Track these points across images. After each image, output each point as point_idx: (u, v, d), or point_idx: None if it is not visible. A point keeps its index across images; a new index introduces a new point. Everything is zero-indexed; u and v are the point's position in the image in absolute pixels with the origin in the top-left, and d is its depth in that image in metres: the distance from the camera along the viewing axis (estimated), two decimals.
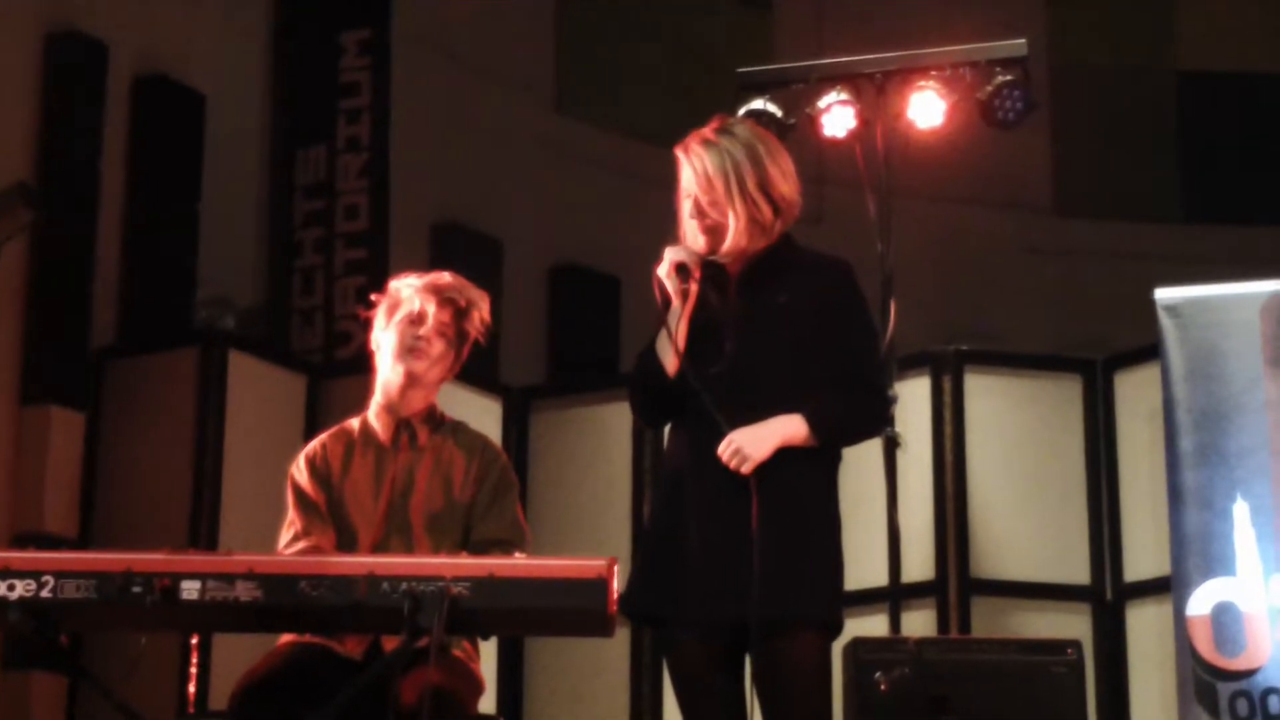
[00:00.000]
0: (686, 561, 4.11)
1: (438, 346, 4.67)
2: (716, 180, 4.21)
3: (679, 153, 4.28)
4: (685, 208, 4.27)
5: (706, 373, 4.15)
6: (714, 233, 4.23)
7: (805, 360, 4.18)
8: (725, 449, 4.09)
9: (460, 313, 4.71)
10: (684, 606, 4.11)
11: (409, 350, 4.65)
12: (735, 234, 4.21)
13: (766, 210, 4.22)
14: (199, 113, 8.34)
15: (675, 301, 4.20)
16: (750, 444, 4.09)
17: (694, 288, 4.20)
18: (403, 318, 4.67)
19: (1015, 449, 7.40)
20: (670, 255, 4.22)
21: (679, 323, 4.19)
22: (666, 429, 4.40)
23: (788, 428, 4.12)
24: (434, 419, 4.73)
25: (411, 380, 4.66)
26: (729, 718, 4.15)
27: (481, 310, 4.75)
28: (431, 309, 4.66)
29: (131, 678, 4.25)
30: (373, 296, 4.81)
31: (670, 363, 4.19)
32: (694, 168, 4.24)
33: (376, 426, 4.71)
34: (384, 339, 4.71)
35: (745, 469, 4.08)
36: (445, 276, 4.77)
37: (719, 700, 4.15)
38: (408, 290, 4.71)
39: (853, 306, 4.29)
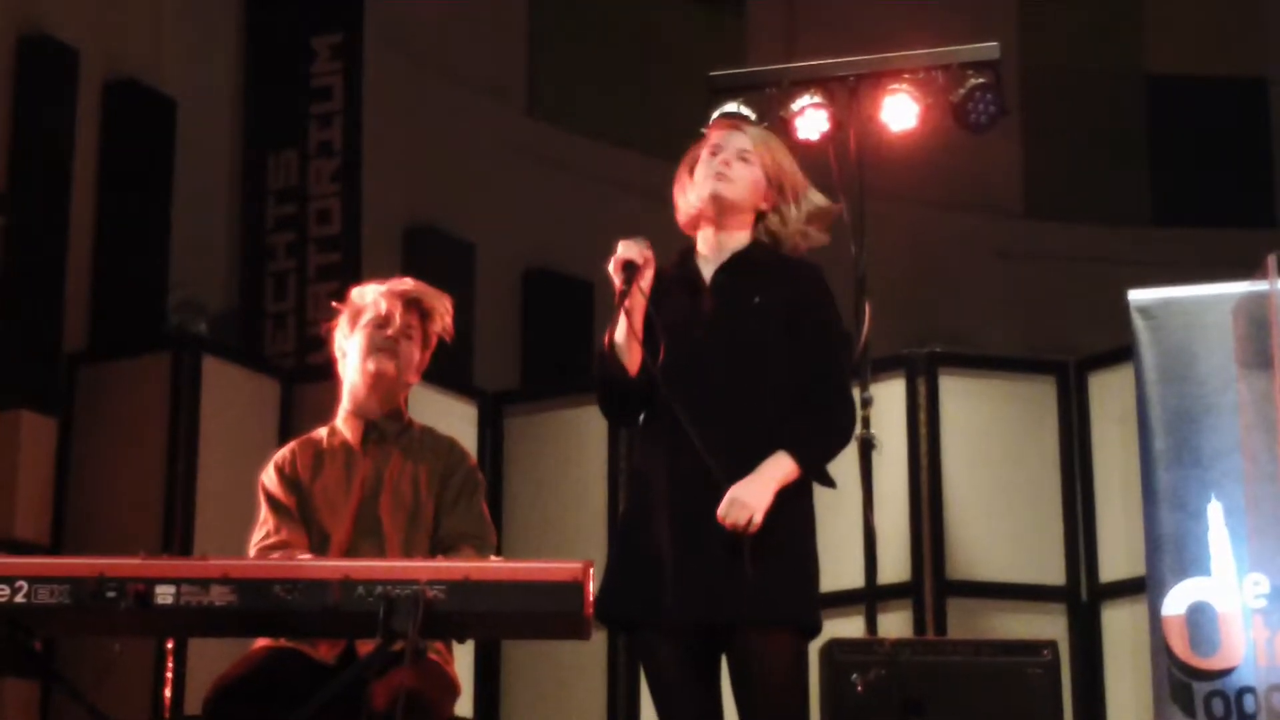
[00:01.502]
0: (659, 564, 4.08)
1: (404, 347, 4.69)
2: (783, 161, 4.29)
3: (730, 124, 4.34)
4: (733, 157, 4.26)
5: (673, 372, 4.11)
6: (730, 209, 4.25)
7: (775, 362, 4.16)
8: (726, 508, 4.01)
9: (424, 315, 4.73)
10: (657, 609, 4.08)
11: (378, 350, 4.66)
12: (776, 229, 4.28)
13: (787, 215, 4.28)
14: (170, 117, 8.32)
15: (621, 299, 4.11)
16: (752, 495, 4.02)
17: (638, 288, 4.12)
18: (368, 321, 4.69)
19: (989, 451, 7.42)
20: (621, 251, 4.15)
21: (631, 321, 4.10)
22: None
23: (780, 470, 4.07)
24: (401, 422, 4.73)
25: (380, 380, 4.67)
26: (704, 717, 4.13)
27: (444, 312, 4.77)
28: (397, 311, 4.68)
29: (105, 683, 4.23)
30: (335, 304, 4.82)
31: (631, 362, 4.16)
32: (757, 136, 4.31)
33: (345, 431, 4.72)
34: (349, 345, 4.72)
35: (756, 519, 4.00)
36: (407, 281, 4.79)
37: (694, 702, 4.13)
38: (371, 295, 4.74)
39: (824, 310, 4.27)
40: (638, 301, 4.13)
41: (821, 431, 4.17)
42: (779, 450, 4.08)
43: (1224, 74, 12.06)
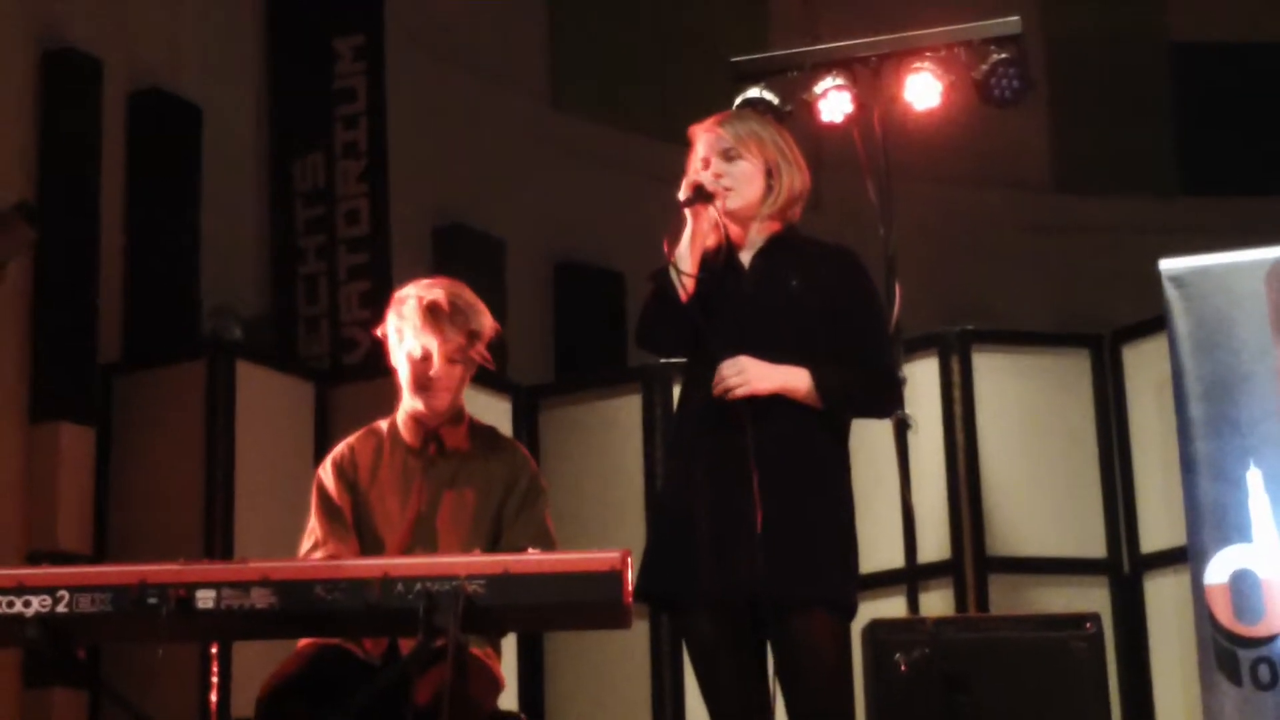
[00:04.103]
0: (696, 541, 4.10)
1: (447, 374, 4.62)
2: (765, 138, 4.29)
3: (703, 129, 4.31)
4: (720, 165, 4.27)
5: (714, 355, 4.15)
6: (742, 210, 4.26)
7: (813, 345, 4.19)
8: (728, 368, 4.08)
9: (466, 336, 4.64)
10: (698, 586, 4.10)
11: (421, 389, 4.62)
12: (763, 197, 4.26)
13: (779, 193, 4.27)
14: (195, 125, 8.33)
15: (692, 224, 4.16)
16: (755, 366, 4.10)
17: (707, 206, 4.16)
18: (410, 356, 4.62)
19: (1026, 426, 7.40)
20: (690, 176, 4.21)
21: (698, 225, 4.16)
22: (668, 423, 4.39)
23: (793, 376, 4.13)
24: (461, 424, 4.70)
25: (431, 410, 4.64)
26: (748, 696, 4.14)
27: (486, 326, 4.67)
28: (434, 346, 4.59)
29: (151, 689, 4.24)
30: (375, 332, 4.73)
31: (687, 278, 4.14)
32: (731, 129, 4.28)
33: (405, 434, 4.68)
34: (396, 360, 4.66)
35: (739, 392, 4.07)
36: (440, 297, 4.63)
37: (738, 679, 4.14)
38: (409, 327, 4.61)
39: (862, 293, 4.31)
40: (704, 216, 4.17)
41: (849, 376, 4.20)
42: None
43: (1249, 39, 11.99)
